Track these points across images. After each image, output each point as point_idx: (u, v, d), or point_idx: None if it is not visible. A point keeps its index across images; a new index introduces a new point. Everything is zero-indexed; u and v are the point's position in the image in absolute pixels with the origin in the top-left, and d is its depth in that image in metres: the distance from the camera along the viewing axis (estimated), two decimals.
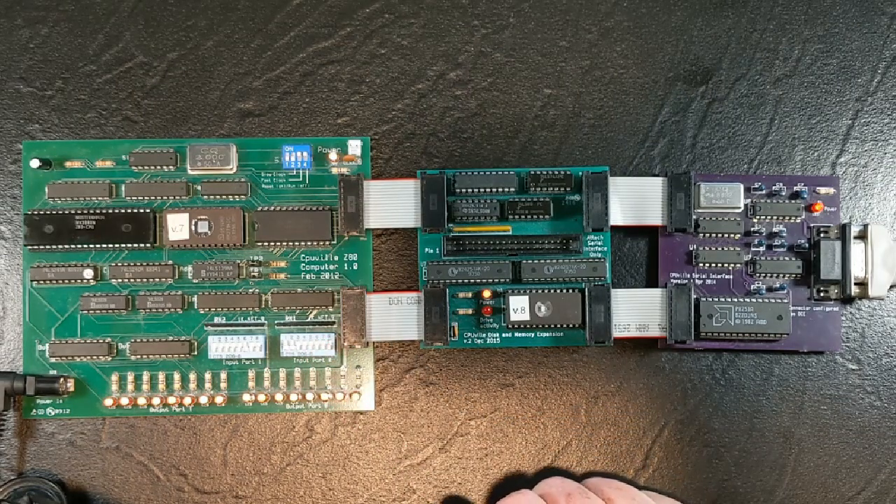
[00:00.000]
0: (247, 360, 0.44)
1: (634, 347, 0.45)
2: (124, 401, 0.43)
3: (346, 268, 0.44)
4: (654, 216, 0.43)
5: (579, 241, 0.44)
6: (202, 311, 0.44)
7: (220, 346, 0.44)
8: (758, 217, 0.44)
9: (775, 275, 0.44)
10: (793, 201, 0.44)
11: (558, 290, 0.43)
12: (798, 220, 0.44)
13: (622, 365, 0.45)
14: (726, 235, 0.44)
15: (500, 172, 0.43)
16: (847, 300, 0.44)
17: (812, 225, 0.44)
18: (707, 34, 0.46)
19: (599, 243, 0.44)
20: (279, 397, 0.44)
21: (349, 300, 0.43)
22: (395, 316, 0.43)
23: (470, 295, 0.44)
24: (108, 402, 0.44)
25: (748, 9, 0.46)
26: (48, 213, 0.43)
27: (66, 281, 0.44)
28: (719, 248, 0.44)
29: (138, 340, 0.44)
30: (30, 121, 0.45)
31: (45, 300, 0.44)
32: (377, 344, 0.45)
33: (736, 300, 0.43)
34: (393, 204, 0.43)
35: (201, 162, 0.44)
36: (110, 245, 0.43)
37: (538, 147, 0.45)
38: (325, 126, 0.45)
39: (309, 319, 0.44)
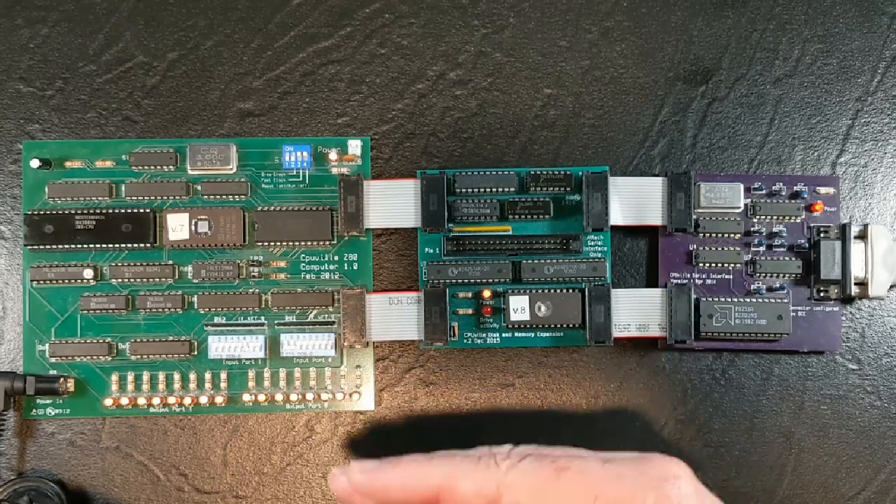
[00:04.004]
0: (247, 360, 0.44)
1: (634, 347, 0.45)
2: (124, 401, 0.44)
3: (346, 268, 0.44)
4: (654, 216, 0.43)
5: (579, 241, 0.44)
6: (202, 311, 0.44)
7: (220, 346, 0.44)
8: (758, 217, 0.44)
9: (775, 275, 0.44)
10: (793, 201, 0.44)
11: (558, 290, 0.43)
12: (798, 220, 0.44)
13: (622, 365, 0.45)
14: (726, 235, 0.44)
15: (500, 172, 0.43)
16: (847, 300, 0.44)
17: (812, 225, 0.44)
18: (707, 34, 0.46)
19: (599, 243, 0.44)
20: (279, 397, 0.44)
21: (349, 300, 0.43)
22: (395, 316, 0.43)
23: (470, 295, 0.44)
24: (108, 402, 0.44)
25: (748, 9, 0.46)
26: (48, 213, 0.43)
27: (66, 281, 0.44)
28: (719, 248, 0.44)
29: (138, 340, 0.44)
30: (30, 121, 0.45)
31: (45, 300, 0.44)
32: (377, 344, 0.45)
33: (736, 300, 0.43)
34: (393, 204, 0.43)
35: (201, 162, 0.44)
36: (110, 245, 0.43)
37: (538, 147, 0.45)
38: (325, 126, 0.45)
39: (309, 319, 0.44)
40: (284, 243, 0.44)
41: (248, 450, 0.44)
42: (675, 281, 0.44)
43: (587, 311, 0.43)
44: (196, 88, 0.45)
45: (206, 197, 0.44)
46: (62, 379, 0.43)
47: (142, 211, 0.43)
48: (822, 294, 0.44)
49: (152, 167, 0.44)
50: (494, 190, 0.43)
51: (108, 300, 0.43)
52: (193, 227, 0.43)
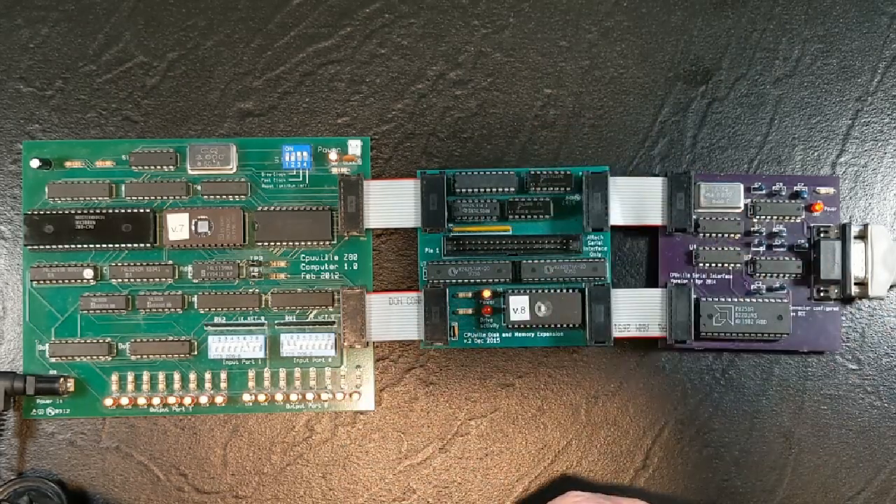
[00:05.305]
0: (247, 360, 0.44)
1: (634, 347, 0.45)
2: (124, 401, 0.43)
3: (346, 268, 0.44)
4: (654, 216, 0.43)
5: (579, 241, 0.44)
6: (202, 311, 0.44)
7: (220, 346, 0.44)
8: (758, 217, 0.44)
9: (775, 275, 0.44)
10: (793, 201, 0.44)
11: (558, 290, 0.43)
12: (798, 220, 0.44)
13: (622, 365, 0.45)
14: (726, 235, 0.44)
15: (500, 172, 0.43)
16: (847, 300, 0.44)
17: (812, 225, 0.44)
18: (707, 34, 0.46)
19: (599, 243, 0.44)
20: (279, 397, 0.44)
21: (349, 300, 0.43)
22: (395, 316, 0.43)
23: (470, 295, 0.44)
24: (108, 402, 0.44)
25: (748, 9, 0.46)
26: (48, 213, 0.43)
27: (66, 281, 0.44)
28: (719, 248, 0.44)
29: (138, 340, 0.44)
30: (30, 121, 0.45)
31: (45, 300, 0.44)
32: (377, 344, 0.45)
33: (736, 300, 0.43)
34: (393, 204, 0.43)
35: (201, 162, 0.44)
36: (110, 245, 0.43)
37: (538, 147, 0.45)
38: (325, 126, 0.45)
39: (309, 319, 0.44)
40: (284, 243, 0.44)
41: (248, 450, 0.44)
42: (675, 281, 0.44)
43: (587, 311, 0.43)
44: (196, 88, 0.45)
45: (206, 197, 0.44)
46: (62, 379, 0.43)
47: (142, 211, 0.43)
48: (822, 294, 0.44)
49: (152, 167, 0.44)
50: (494, 190, 0.43)
51: (108, 300, 0.43)
52: (193, 227, 0.43)
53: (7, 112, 0.45)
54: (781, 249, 0.44)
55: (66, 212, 0.43)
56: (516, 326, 0.43)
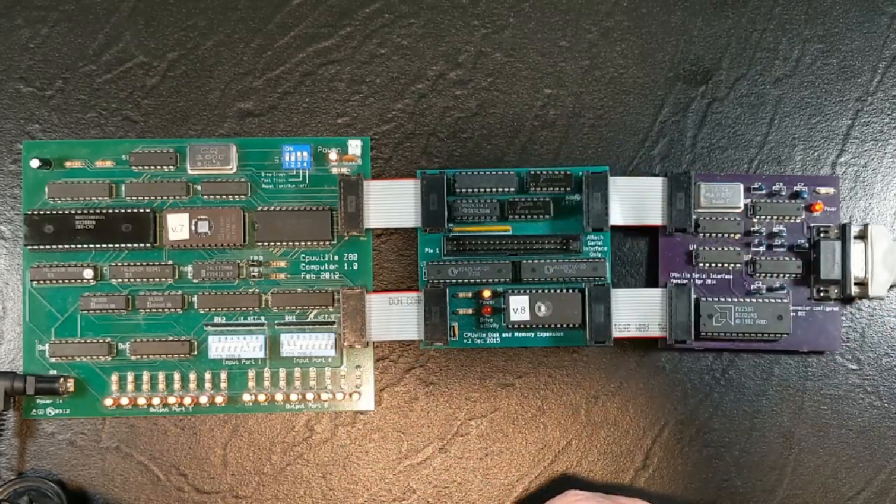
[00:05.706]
0: (247, 360, 0.44)
1: (634, 347, 0.45)
2: (124, 401, 0.43)
3: (346, 268, 0.44)
4: (654, 216, 0.43)
5: (579, 241, 0.44)
6: (202, 311, 0.44)
7: (220, 346, 0.44)
8: (758, 217, 0.44)
9: (775, 275, 0.44)
10: (793, 201, 0.44)
11: (558, 290, 0.43)
12: (798, 220, 0.44)
13: (622, 365, 0.45)
14: (726, 235, 0.44)
15: (500, 172, 0.43)
16: (847, 300, 0.44)
17: (812, 225, 0.44)
18: (707, 34, 0.46)
19: (599, 243, 0.44)
20: (279, 397, 0.44)
21: (349, 300, 0.43)
22: (395, 316, 0.43)
23: (470, 295, 0.44)
24: (108, 402, 0.44)
25: (748, 9, 0.46)
26: (48, 213, 0.43)
27: (66, 281, 0.44)
28: (719, 248, 0.44)
29: (138, 340, 0.44)
30: (30, 121, 0.45)
31: (45, 300, 0.44)
32: (377, 344, 0.45)
33: (736, 300, 0.43)
34: (393, 204, 0.43)
35: (201, 162, 0.44)
36: (110, 245, 0.43)
37: (538, 147, 0.45)
38: (325, 126, 0.45)
39: (309, 319, 0.44)
40: (284, 243, 0.44)
41: (248, 450, 0.44)
42: (675, 281, 0.44)
43: (587, 311, 0.43)
44: (196, 88, 0.45)
45: (206, 197, 0.44)
46: (62, 379, 0.43)
47: (142, 211, 0.43)
48: (822, 294, 0.44)
49: (152, 167, 0.44)
50: (494, 190, 0.43)
51: (108, 300, 0.43)
52: (193, 227, 0.43)
53: (7, 112, 0.45)
54: (781, 249, 0.44)
55: (66, 212, 0.43)
56: (516, 326, 0.43)
